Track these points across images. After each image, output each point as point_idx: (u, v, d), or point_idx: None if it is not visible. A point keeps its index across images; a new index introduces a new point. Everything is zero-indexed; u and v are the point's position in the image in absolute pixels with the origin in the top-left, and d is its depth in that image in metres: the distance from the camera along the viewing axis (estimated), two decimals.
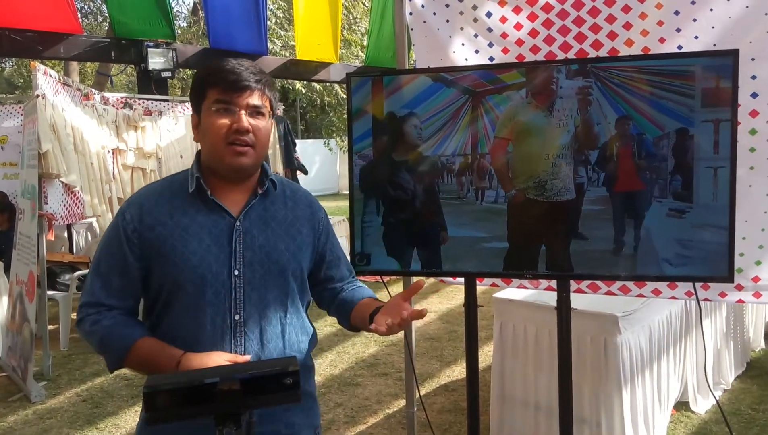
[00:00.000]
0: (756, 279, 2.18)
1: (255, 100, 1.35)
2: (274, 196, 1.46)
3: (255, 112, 1.36)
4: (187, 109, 6.15)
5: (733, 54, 1.75)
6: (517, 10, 2.38)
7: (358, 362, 4.49)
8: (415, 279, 1.72)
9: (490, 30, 2.43)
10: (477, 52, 2.46)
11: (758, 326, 4.38)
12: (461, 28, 2.48)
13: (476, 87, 1.96)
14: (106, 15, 8.05)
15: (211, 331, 1.34)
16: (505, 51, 2.41)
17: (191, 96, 1.43)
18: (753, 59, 2.06)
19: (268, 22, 10.68)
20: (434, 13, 2.53)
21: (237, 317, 1.35)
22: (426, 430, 3.20)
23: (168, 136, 5.97)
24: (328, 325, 5.43)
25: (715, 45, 2.12)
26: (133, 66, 6.03)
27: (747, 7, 2.08)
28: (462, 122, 1.96)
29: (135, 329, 1.37)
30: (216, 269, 1.34)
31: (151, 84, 5.79)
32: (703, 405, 3.46)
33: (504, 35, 2.41)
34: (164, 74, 5.72)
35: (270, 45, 10.56)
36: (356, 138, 2.07)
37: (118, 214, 1.42)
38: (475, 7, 2.44)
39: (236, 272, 1.35)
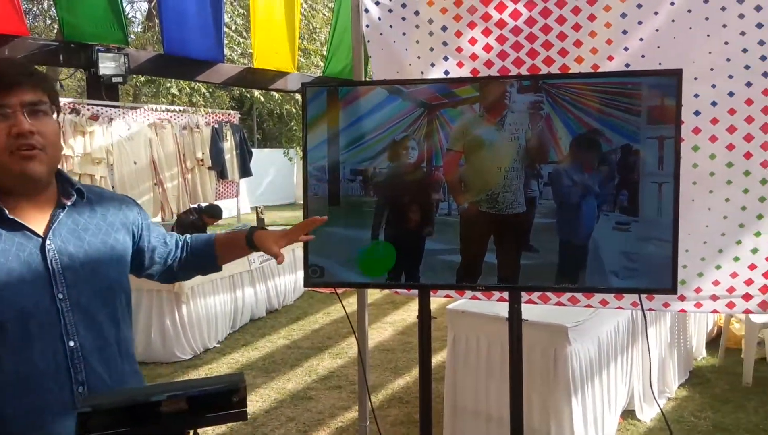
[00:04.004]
0: (698, 290, 2.26)
1: (29, 96, 1.19)
2: (83, 206, 1.33)
3: (34, 110, 1.20)
4: (139, 115, 6.00)
5: (677, 74, 1.82)
6: (471, 25, 2.41)
7: (310, 375, 4.43)
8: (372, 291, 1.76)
9: (445, 44, 2.46)
10: (432, 65, 2.49)
11: (700, 336, 4.55)
12: (417, 42, 2.50)
13: (431, 100, 1.97)
14: (56, 17, 7.81)
15: (43, 366, 1.21)
16: (460, 65, 2.44)
17: None
18: (696, 78, 2.15)
19: (227, 30, 10.57)
20: (390, 26, 2.54)
21: (72, 344, 1.23)
22: None
23: (120, 142, 5.83)
24: (281, 337, 5.36)
25: (660, 64, 2.20)
26: (82, 70, 5.85)
27: (690, 28, 2.17)
28: (418, 134, 1.98)
29: None
30: (35, 298, 1.20)
31: (101, 89, 5.63)
32: (648, 413, 3.56)
33: (459, 49, 2.44)
34: (115, 80, 5.57)
35: (229, 52, 10.45)
36: (311, 148, 2.05)
37: None
38: (431, 21, 2.47)
39: (60, 296, 1.22)
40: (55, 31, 10.73)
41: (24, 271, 1.20)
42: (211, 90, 12.62)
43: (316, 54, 11.90)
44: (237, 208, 9.68)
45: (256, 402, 3.93)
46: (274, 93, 11.86)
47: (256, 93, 12.39)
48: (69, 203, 1.30)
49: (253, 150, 9.46)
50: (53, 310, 1.22)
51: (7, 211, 1.22)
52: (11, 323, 1.18)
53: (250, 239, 1.54)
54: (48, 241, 1.24)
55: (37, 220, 1.26)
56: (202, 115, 7.40)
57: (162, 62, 6.03)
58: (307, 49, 11.66)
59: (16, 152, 1.18)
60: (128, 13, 13.84)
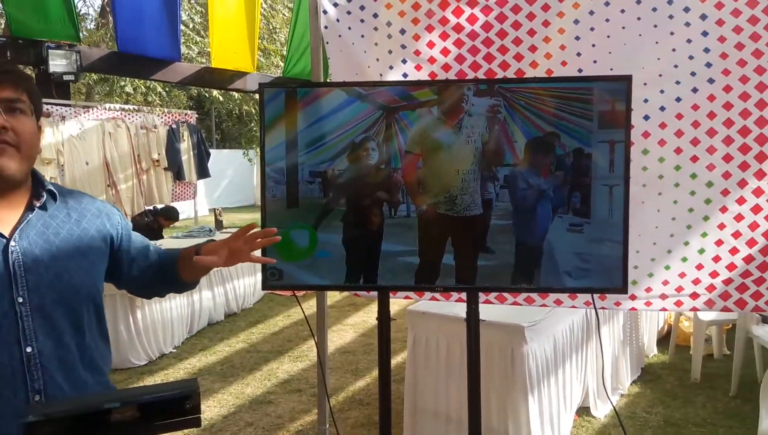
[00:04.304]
0: (648, 289, 2.33)
1: (6, 93, 1.20)
2: (55, 208, 1.31)
3: (11, 107, 1.20)
4: (92, 115, 5.84)
5: (627, 79, 1.87)
6: (429, 28, 2.43)
7: (270, 379, 4.38)
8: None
9: (403, 47, 2.47)
10: (391, 68, 2.50)
11: (652, 334, 4.70)
12: (376, 44, 2.51)
13: (390, 103, 1.98)
14: (2, 12, 7.52)
15: (2, 372, 1.18)
16: (418, 68, 2.46)
17: None
18: (645, 84, 2.22)
19: (185, 28, 10.38)
20: (349, 28, 2.54)
21: (29, 350, 1.20)
22: None
23: (72, 141, 5.66)
24: (240, 341, 5.29)
25: (612, 69, 2.26)
26: (31, 68, 5.66)
27: (640, 35, 2.24)
28: (377, 136, 1.98)
29: None
30: None
31: (51, 87, 5.45)
32: (602, 410, 3.65)
33: (417, 53, 2.46)
34: (67, 78, 5.40)
35: (186, 51, 10.26)
36: (269, 150, 2.03)
37: None
38: (389, 24, 2.48)
39: (20, 299, 1.20)
40: (2, 26, 10.34)
41: None
42: (167, 89, 12.37)
43: (276, 54, 11.80)
44: (194, 210, 9.51)
45: (213, 407, 3.87)
46: (234, 93, 11.71)
47: (215, 93, 12.21)
48: (38, 205, 1.28)
49: (212, 151, 9.32)
50: (11, 313, 1.19)
51: None
52: None
53: (198, 253, 1.46)
54: (12, 242, 1.22)
55: (5, 221, 1.24)
56: (158, 115, 7.25)
57: (116, 60, 5.87)
58: (267, 49, 11.55)
59: None
60: (80, 10, 13.44)
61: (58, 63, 5.29)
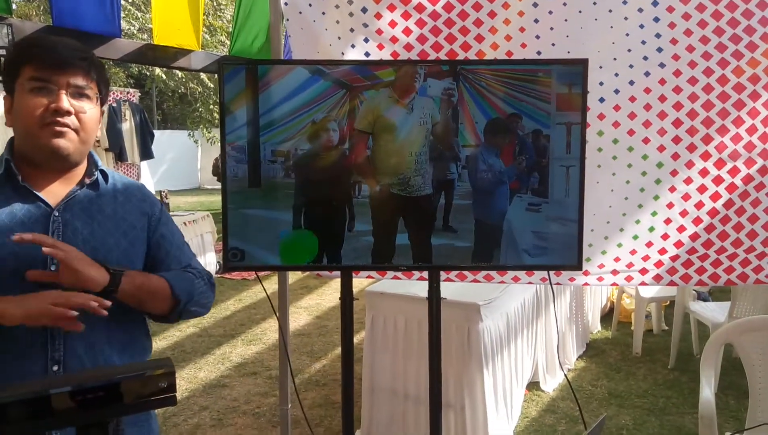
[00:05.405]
0: (601, 266, 2.42)
1: (78, 80, 1.24)
2: (104, 189, 1.35)
3: (78, 93, 1.25)
4: None
5: (584, 63, 1.92)
6: (391, 7, 2.42)
7: (224, 363, 4.33)
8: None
9: (365, 25, 2.45)
10: (353, 46, 2.47)
11: (596, 311, 4.90)
12: (337, 22, 2.48)
13: (353, 81, 1.96)
14: None
15: (24, 337, 1.19)
16: (380, 47, 2.45)
17: (3, 75, 1.28)
18: (600, 67, 2.28)
19: (125, 2, 9.93)
20: (310, 5, 2.50)
21: None
22: (297, 426, 3.17)
23: (4, 120, 5.34)
24: (190, 326, 5.19)
25: (569, 52, 2.31)
26: None
27: (596, 19, 2.30)
28: (339, 115, 1.96)
29: None
30: (28, 265, 1.20)
31: None
32: (551, 384, 3.80)
33: (379, 31, 2.44)
34: None
35: (126, 26, 9.84)
36: (229, 128, 1.98)
37: None
38: (350, 2, 2.45)
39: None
40: None
41: None
42: (106, 66, 11.85)
43: (222, 32, 11.47)
44: None
45: None
46: (177, 71, 11.33)
47: (158, 71, 11.77)
48: (88, 181, 1.31)
49: (154, 132, 9.01)
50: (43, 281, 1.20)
51: (20, 178, 1.24)
52: None
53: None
54: (56, 213, 1.25)
55: (56, 194, 1.28)
56: None
57: (51, 34, 5.57)
58: (212, 26, 11.21)
59: (48, 127, 1.21)
60: None
61: None
